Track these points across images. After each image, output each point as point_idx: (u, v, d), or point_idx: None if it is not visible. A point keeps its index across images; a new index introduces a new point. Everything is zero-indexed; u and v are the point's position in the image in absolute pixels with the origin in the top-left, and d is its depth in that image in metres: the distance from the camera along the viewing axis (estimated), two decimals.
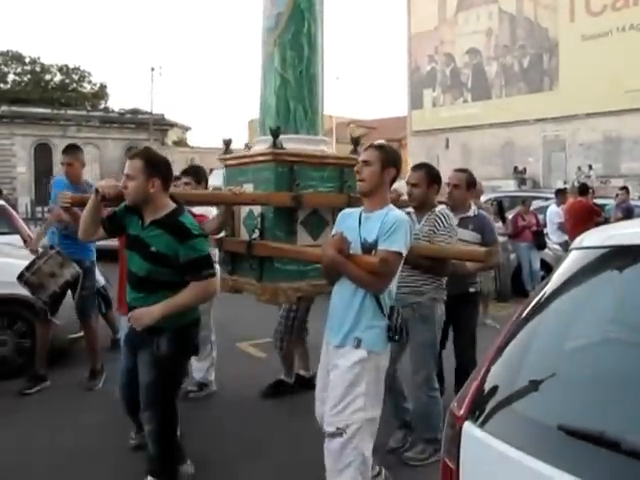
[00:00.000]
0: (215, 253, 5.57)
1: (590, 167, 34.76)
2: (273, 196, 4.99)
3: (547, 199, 15.64)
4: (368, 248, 3.72)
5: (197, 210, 4.92)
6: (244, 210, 5.29)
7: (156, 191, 3.93)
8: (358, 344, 3.68)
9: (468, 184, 5.55)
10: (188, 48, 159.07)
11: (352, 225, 3.85)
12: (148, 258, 3.89)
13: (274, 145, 4.97)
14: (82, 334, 7.33)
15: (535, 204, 14.10)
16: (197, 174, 5.93)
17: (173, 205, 4.02)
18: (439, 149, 44.08)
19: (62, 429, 5.39)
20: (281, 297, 4.98)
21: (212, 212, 5.41)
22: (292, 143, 5.16)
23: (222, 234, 5.32)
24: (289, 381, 6.26)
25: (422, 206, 4.86)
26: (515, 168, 39.18)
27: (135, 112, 55.28)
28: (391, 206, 3.86)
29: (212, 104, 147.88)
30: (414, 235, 4.63)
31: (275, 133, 4.96)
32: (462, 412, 2.27)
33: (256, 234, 5.07)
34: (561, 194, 13.70)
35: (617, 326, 2.22)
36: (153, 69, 53.29)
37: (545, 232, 12.43)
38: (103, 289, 8.32)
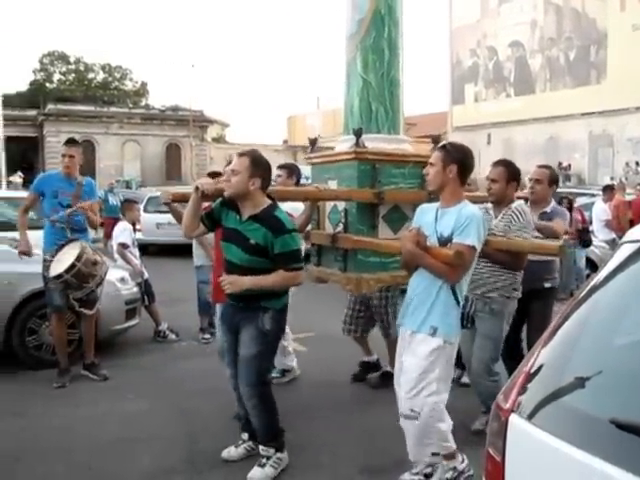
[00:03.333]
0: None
1: (637, 163, 34.13)
2: (355, 192, 5.30)
3: (593, 196, 15.57)
4: (444, 242, 4.02)
5: (286, 207, 5.21)
6: (329, 205, 5.60)
7: (255, 189, 4.28)
8: (434, 332, 3.99)
9: (550, 180, 5.67)
10: (228, 45, 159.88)
11: (429, 220, 4.15)
12: (247, 249, 4.27)
13: (357, 144, 5.28)
14: (126, 325, 7.70)
15: (581, 201, 13.95)
16: (290, 170, 6.21)
17: (269, 201, 4.37)
18: (481, 145, 43.50)
19: (105, 416, 5.63)
20: (364, 287, 5.31)
21: (298, 209, 5.69)
22: (374, 142, 5.45)
23: (309, 227, 5.63)
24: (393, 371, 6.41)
25: (500, 202, 5.04)
26: (559, 164, 38.65)
27: (175, 109, 55.93)
28: (466, 201, 4.14)
29: (251, 101, 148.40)
30: (490, 230, 4.87)
31: (358, 133, 5.26)
32: (508, 405, 2.27)
33: (340, 228, 5.39)
34: (608, 190, 13.57)
35: None
36: (193, 66, 53.91)
37: (591, 229, 12.29)
38: (147, 282, 8.65)
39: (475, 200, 5.09)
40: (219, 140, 60.05)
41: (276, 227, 4.21)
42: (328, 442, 5.08)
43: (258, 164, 4.30)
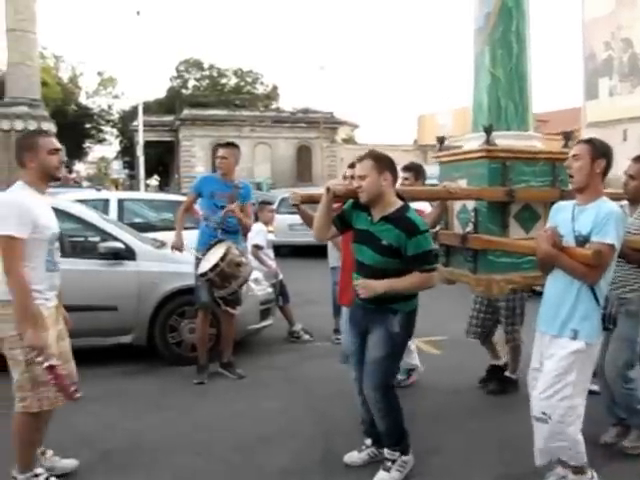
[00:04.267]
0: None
1: None
2: (486, 191, 5.19)
3: None
4: (582, 241, 3.87)
5: (416, 205, 5.17)
6: (458, 204, 5.51)
7: (387, 185, 4.25)
8: (575, 335, 3.85)
9: None
10: (357, 45, 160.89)
11: (565, 218, 3.99)
12: (379, 251, 4.23)
13: (487, 142, 5.17)
14: (261, 325, 7.87)
15: None
16: (417, 171, 6.14)
17: (400, 202, 4.33)
18: (616, 142, 41.49)
19: (241, 413, 5.77)
20: (495, 288, 5.17)
21: (426, 207, 5.64)
22: (504, 139, 5.33)
23: (437, 228, 5.55)
24: (513, 377, 6.28)
25: (636, 200, 4.79)
26: None
27: (305, 111, 56.55)
28: (604, 198, 3.97)
29: (380, 101, 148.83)
30: (625, 228, 4.65)
31: (488, 130, 5.16)
32: None
33: (470, 227, 5.30)
34: None
35: None
36: (322, 68, 54.42)
37: None
38: (281, 283, 8.78)
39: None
40: (349, 141, 60.46)
41: (409, 228, 4.17)
42: (460, 448, 5.00)
43: (381, 160, 4.29)
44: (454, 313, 8.24)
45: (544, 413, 3.86)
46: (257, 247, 8.61)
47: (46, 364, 3.93)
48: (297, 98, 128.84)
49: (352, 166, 5.09)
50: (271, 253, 8.95)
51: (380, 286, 4.19)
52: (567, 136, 5.49)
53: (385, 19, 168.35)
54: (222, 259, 6.20)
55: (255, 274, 7.88)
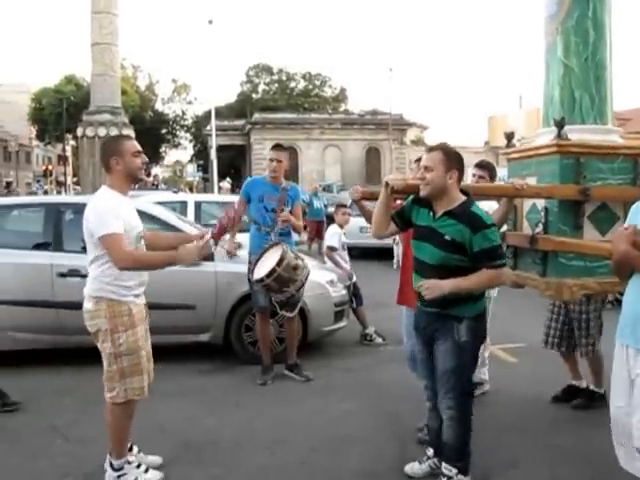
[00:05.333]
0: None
1: None
2: (557, 188, 4.83)
3: None
4: None
5: (482, 204, 4.87)
6: (527, 204, 5.16)
7: (453, 182, 4.03)
8: None
9: None
10: (426, 46, 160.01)
11: None
12: (441, 246, 4.01)
13: (559, 136, 4.80)
14: (335, 327, 7.81)
15: None
16: (492, 170, 5.85)
17: (464, 197, 4.10)
18: None
19: (315, 414, 5.76)
20: (565, 293, 4.81)
21: (492, 206, 5.33)
22: (578, 133, 4.95)
23: (504, 228, 5.24)
24: (599, 391, 5.85)
25: None
26: None
27: (374, 113, 56.72)
28: None
29: (450, 102, 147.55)
30: None
31: (559, 124, 4.80)
32: None
33: (540, 228, 4.96)
34: None
35: None
36: (391, 70, 54.37)
37: None
38: (355, 285, 8.69)
39: None
40: (418, 143, 60.04)
41: (474, 223, 3.95)
42: (540, 462, 4.77)
43: (452, 156, 4.08)
44: (532, 319, 7.90)
45: None
46: (331, 249, 8.67)
47: (208, 238, 4.48)
48: (366, 100, 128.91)
49: (419, 160, 4.85)
50: (346, 255, 8.97)
51: (447, 285, 3.94)
52: None
53: (454, 19, 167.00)
54: (278, 264, 6.04)
55: (331, 275, 7.97)
